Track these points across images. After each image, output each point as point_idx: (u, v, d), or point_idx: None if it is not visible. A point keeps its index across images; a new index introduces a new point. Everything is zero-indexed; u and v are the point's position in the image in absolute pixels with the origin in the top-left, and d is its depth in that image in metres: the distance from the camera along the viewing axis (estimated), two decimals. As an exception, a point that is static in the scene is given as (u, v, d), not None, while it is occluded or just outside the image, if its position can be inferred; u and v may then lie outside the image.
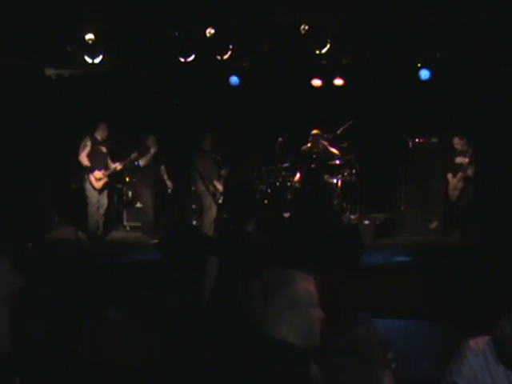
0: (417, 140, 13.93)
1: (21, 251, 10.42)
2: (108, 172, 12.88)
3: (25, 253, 10.65)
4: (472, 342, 4.00)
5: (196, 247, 7.52)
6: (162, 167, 13.58)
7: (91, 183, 12.72)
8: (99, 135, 12.85)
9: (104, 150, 12.90)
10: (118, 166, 13.04)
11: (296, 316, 3.22)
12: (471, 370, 3.94)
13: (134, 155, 13.16)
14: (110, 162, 13.02)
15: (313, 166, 13.68)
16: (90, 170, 12.71)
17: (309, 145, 13.76)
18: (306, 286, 3.29)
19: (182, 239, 9.95)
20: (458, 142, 12.58)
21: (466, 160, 12.46)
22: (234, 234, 7.53)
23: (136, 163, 13.47)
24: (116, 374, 3.88)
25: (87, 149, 12.71)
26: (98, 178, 12.73)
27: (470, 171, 12.35)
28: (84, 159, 12.71)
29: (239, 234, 7.62)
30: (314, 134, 13.73)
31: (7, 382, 4.29)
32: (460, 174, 12.50)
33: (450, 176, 12.75)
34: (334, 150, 13.68)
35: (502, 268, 8.74)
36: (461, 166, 12.55)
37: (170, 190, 13.78)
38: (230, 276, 6.82)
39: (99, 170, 12.74)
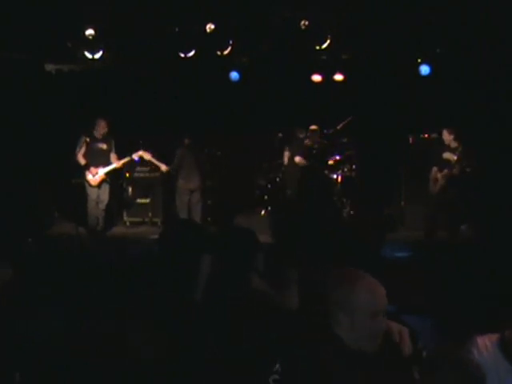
0: (417, 136, 13.91)
1: (21, 247, 10.42)
2: (106, 169, 12.81)
3: (25, 249, 10.65)
4: (479, 340, 3.92)
5: (194, 243, 7.51)
6: None
7: (88, 180, 12.70)
8: (97, 132, 12.79)
9: (104, 147, 12.82)
10: (116, 164, 12.98)
11: (347, 319, 3.17)
12: None
13: (135, 155, 13.11)
14: (113, 158, 12.96)
15: (313, 161, 13.70)
16: (87, 167, 12.68)
17: (307, 141, 13.79)
18: (367, 293, 3.21)
19: (181, 235, 9.92)
20: (446, 136, 12.08)
21: (455, 158, 11.95)
22: (230, 229, 7.52)
23: (136, 159, 13.44)
24: (116, 374, 3.88)
25: (83, 148, 12.66)
26: (93, 174, 12.69)
27: (455, 170, 11.85)
28: (80, 158, 12.67)
29: (235, 229, 7.61)
30: (312, 130, 13.78)
31: (7, 378, 4.29)
32: (445, 171, 11.98)
33: (434, 169, 12.17)
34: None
35: (503, 264, 8.73)
36: (448, 163, 12.04)
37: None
38: (227, 272, 6.82)
39: (96, 166, 12.69)
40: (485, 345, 3.88)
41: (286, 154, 13.91)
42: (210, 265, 6.66)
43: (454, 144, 11.99)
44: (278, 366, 3.15)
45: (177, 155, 13.16)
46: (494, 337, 3.91)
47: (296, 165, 13.67)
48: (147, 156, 13.23)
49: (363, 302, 3.19)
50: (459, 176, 11.85)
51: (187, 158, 13.09)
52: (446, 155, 12.08)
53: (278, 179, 14.15)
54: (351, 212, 13.64)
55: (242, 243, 7.22)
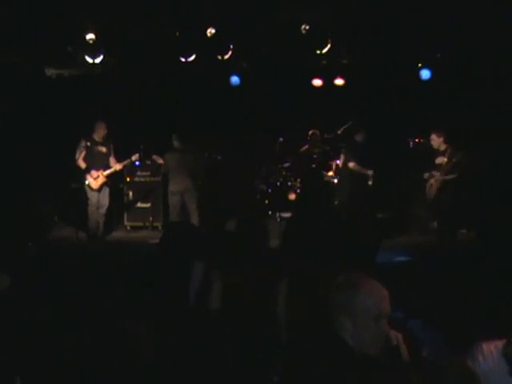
0: (417, 140, 13.91)
1: (22, 251, 10.42)
2: (107, 172, 12.81)
3: (26, 253, 10.64)
4: (485, 346, 3.87)
5: (186, 248, 7.52)
6: None
7: (89, 184, 12.70)
8: (97, 135, 12.80)
9: (104, 150, 12.83)
10: (117, 166, 12.99)
11: (350, 323, 3.16)
12: (483, 374, 3.81)
13: (135, 156, 13.11)
14: (112, 161, 12.97)
15: (313, 165, 13.70)
16: (88, 170, 12.69)
17: (307, 146, 13.82)
18: (370, 297, 3.19)
19: (178, 239, 9.92)
20: (436, 140, 12.05)
21: (445, 160, 11.98)
22: (221, 234, 7.52)
23: (137, 163, 13.44)
24: (116, 374, 3.88)
25: (83, 152, 12.67)
26: (94, 178, 12.69)
27: (446, 173, 11.89)
28: (81, 163, 12.69)
29: (226, 234, 7.61)
30: (312, 134, 13.81)
31: (7, 381, 4.29)
32: (437, 175, 12.02)
33: (429, 174, 12.21)
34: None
35: (503, 268, 8.72)
36: (440, 167, 12.08)
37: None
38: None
39: (96, 169, 12.70)
40: (490, 351, 3.85)
41: (342, 157, 13.45)
42: (201, 272, 6.67)
43: (443, 147, 12.03)
44: (276, 378, 3.15)
45: (164, 158, 13.17)
46: (500, 343, 3.88)
47: (348, 169, 13.16)
48: None
49: (366, 306, 3.17)
50: (451, 179, 11.89)
51: (173, 161, 13.03)
52: (439, 160, 12.11)
53: (278, 183, 14.13)
54: (350, 216, 13.61)
55: (232, 248, 7.21)
